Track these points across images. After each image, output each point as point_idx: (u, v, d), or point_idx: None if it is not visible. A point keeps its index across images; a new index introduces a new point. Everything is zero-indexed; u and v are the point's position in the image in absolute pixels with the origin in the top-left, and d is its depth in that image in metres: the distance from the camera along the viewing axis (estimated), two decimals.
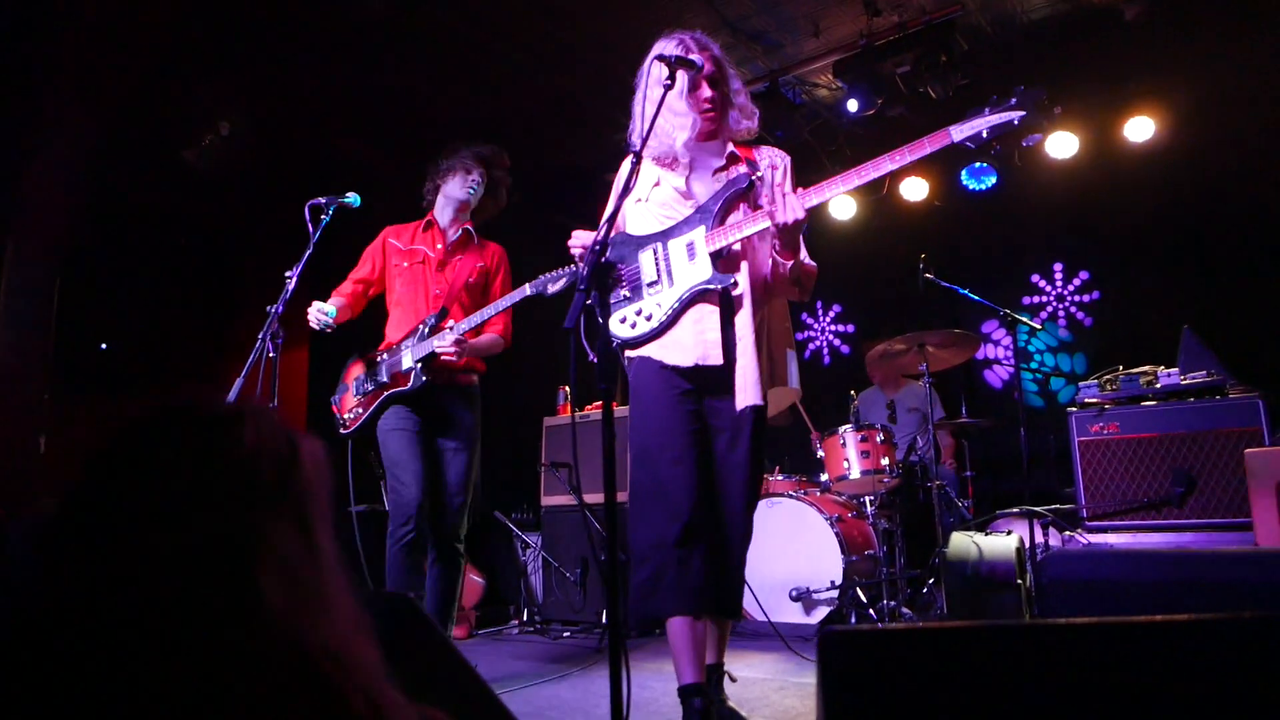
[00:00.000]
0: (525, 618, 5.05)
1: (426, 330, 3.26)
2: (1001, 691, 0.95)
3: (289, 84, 5.17)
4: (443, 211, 3.49)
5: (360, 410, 3.32)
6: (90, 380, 4.86)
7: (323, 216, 3.03)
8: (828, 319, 7.03)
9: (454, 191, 3.44)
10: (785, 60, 5.38)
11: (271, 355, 2.87)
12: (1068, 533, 3.77)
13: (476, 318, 3.18)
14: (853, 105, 5.16)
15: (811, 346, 7.03)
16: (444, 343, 3.12)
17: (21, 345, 3.94)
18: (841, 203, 6.27)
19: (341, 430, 3.38)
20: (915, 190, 6.09)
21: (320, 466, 0.68)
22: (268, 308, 2.88)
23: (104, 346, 5.35)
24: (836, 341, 6.98)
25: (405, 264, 3.43)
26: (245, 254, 5.45)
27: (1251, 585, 1.38)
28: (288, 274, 2.94)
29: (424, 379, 3.21)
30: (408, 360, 3.24)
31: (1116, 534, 3.68)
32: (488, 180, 3.52)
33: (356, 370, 3.42)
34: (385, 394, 3.27)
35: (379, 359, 3.36)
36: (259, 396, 2.88)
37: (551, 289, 3.06)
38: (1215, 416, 3.63)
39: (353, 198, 3.09)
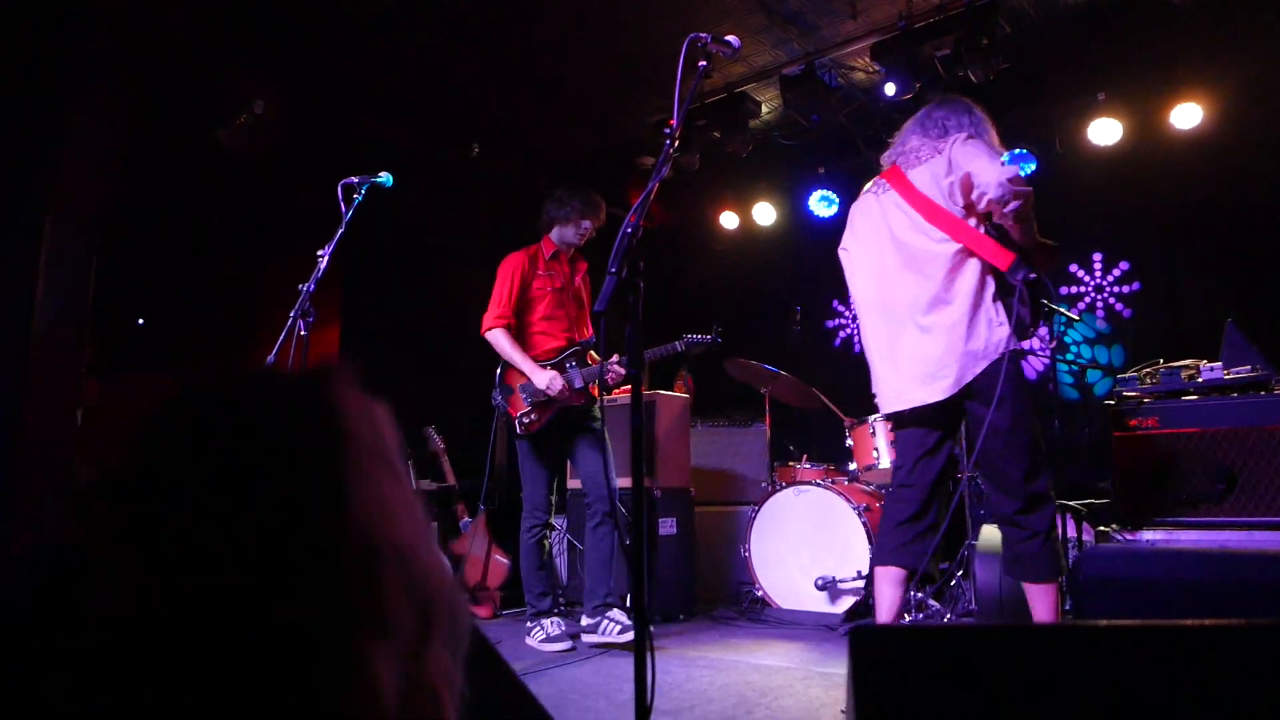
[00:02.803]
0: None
1: (583, 353, 4.01)
2: (1036, 694, 0.93)
3: (323, 64, 5.18)
4: (562, 244, 4.13)
5: (536, 418, 3.90)
6: (127, 355, 4.93)
7: (355, 196, 3.03)
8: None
9: (570, 237, 4.10)
10: (822, 42, 5.29)
11: (303, 333, 2.88)
12: (1102, 528, 3.70)
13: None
14: (890, 89, 5.06)
15: (842, 335, 6.96)
16: (618, 373, 3.94)
17: (59, 320, 3.99)
18: None
19: (519, 430, 3.93)
20: None
21: (391, 426, 0.70)
22: (300, 286, 2.89)
23: (141, 322, 5.43)
24: None
25: (548, 290, 4.05)
26: (279, 232, 5.49)
27: None
28: (320, 252, 2.95)
29: (595, 399, 4.03)
30: (576, 381, 3.93)
31: (1153, 530, 3.59)
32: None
33: (521, 378, 3.94)
34: (558, 408, 3.93)
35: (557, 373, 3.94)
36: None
37: (694, 351, 3.90)
38: (1259, 412, 3.53)
39: (385, 177, 3.09)
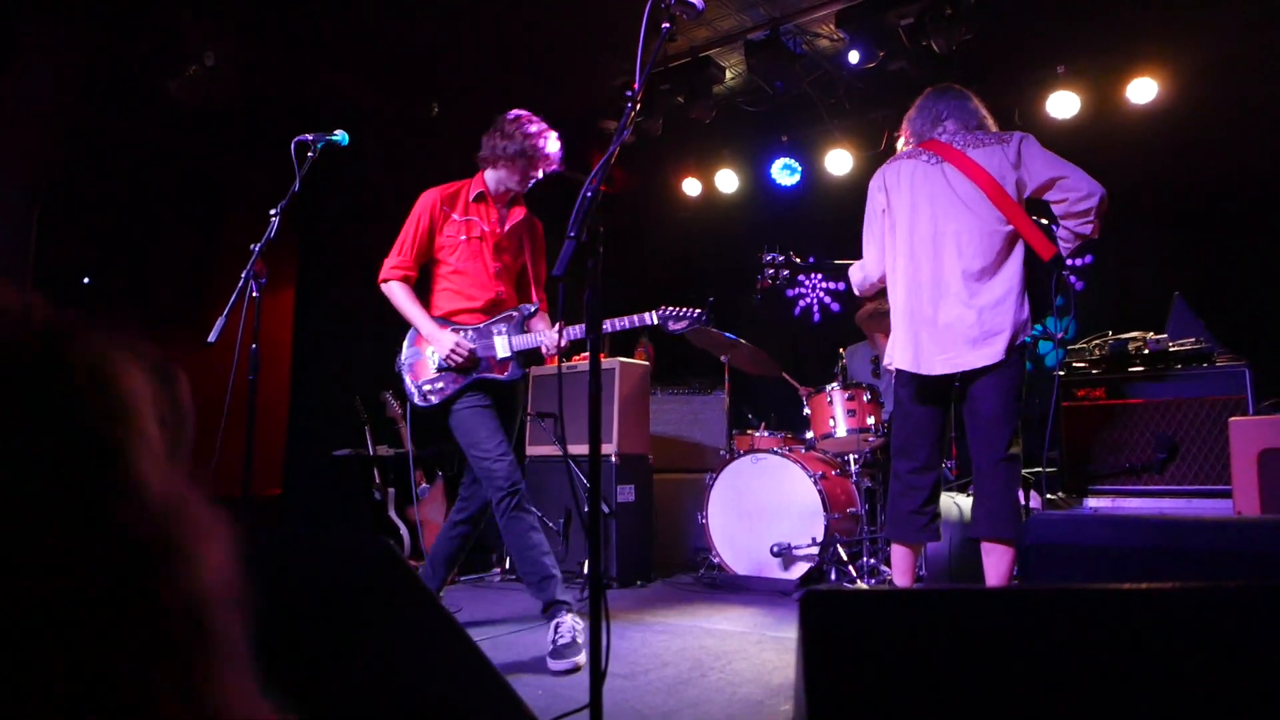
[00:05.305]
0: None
1: (521, 319, 3.34)
2: (983, 656, 0.95)
3: (278, 15, 5.01)
4: (496, 187, 3.41)
5: (445, 387, 3.24)
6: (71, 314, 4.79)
7: (309, 154, 2.96)
8: (818, 276, 6.99)
9: (510, 182, 3.39)
10: (787, 8, 5.25)
11: (255, 295, 2.82)
12: (1049, 495, 3.79)
13: (604, 327, 3.08)
14: (854, 57, 5.05)
15: (802, 304, 7.01)
16: (553, 343, 3.17)
17: None
18: (837, 158, 6.18)
19: (419, 403, 3.30)
20: None
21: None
22: (251, 245, 2.82)
23: (86, 281, 5.25)
24: (827, 299, 6.95)
25: (462, 237, 3.34)
26: (230, 189, 5.34)
27: (1233, 553, 1.39)
28: (272, 211, 2.88)
29: (521, 372, 3.33)
30: (503, 349, 3.27)
31: (1097, 498, 3.70)
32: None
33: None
34: (474, 376, 3.24)
35: (463, 335, 3.27)
36: (241, 335, 2.83)
37: (672, 326, 3.14)
38: (1201, 384, 3.64)
39: (341, 136, 3.02)
